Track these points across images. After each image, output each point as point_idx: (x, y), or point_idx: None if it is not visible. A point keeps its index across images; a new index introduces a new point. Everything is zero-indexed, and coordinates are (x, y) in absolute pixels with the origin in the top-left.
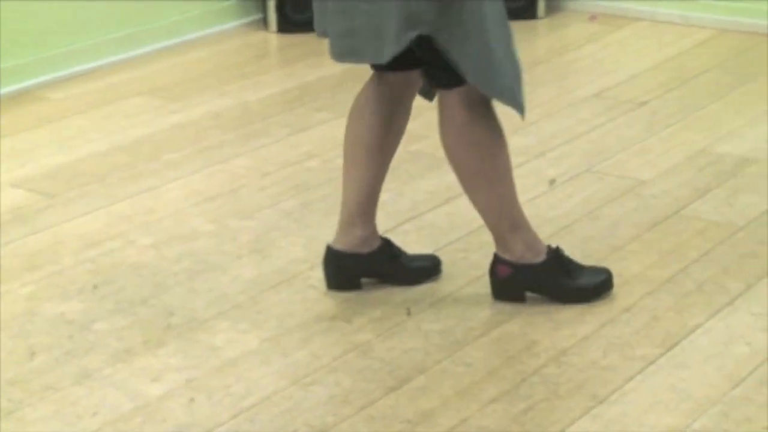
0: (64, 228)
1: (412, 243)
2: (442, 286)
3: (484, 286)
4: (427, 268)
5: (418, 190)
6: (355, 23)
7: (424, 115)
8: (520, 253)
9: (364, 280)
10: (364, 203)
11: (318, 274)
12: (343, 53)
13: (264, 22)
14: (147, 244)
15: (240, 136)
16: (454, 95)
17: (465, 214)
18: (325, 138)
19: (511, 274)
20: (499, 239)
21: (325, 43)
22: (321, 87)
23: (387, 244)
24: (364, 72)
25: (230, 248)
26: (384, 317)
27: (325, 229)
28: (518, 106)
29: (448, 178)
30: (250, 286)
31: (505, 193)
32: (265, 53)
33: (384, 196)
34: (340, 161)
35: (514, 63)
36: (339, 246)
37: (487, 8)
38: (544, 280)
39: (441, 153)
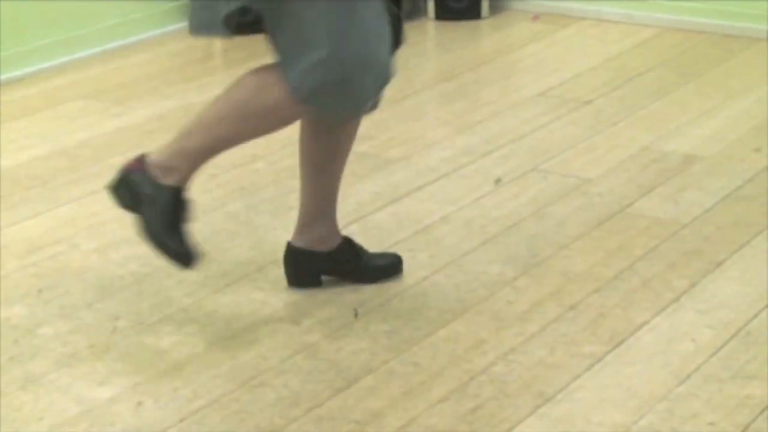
0: (8, 232)
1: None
2: (390, 286)
3: (431, 285)
4: (387, 267)
5: (363, 191)
6: None
7: (368, 116)
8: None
9: (325, 277)
10: (321, 202)
11: (265, 276)
12: (192, 26)
13: None
14: (91, 248)
15: None
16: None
17: (411, 214)
18: (270, 139)
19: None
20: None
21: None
22: None
23: (348, 243)
24: None
25: None
26: (331, 318)
27: (271, 231)
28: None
29: (393, 178)
30: (197, 288)
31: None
32: (209, 55)
33: None
34: (285, 162)
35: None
36: (298, 244)
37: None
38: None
39: (386, 154)
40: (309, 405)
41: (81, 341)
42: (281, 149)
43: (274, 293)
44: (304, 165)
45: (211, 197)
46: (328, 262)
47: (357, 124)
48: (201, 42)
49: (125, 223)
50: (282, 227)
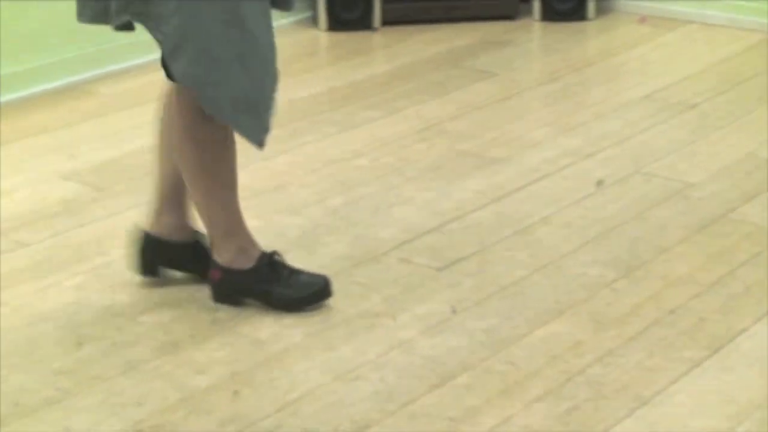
0: (112, 221)
1: (457, 243)
2: (488, 284)
3: (530, 285)
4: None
5: (464, 189)
6: None
7: (472, 115)
8: (230, 258)
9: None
10: (170, 192)
11: (362, 271)
12: (80, 14)
13: (313, 20)
14: None
15: (285, 133)
16: (184, 92)
17: (511, 214)
18: (373, 136)
19: (222, 278)
20: (213, 243)
21: (374, 40)
22: (369, 85)
23: (198, 242)
24: (413, 70)
25: (276, 244)
26: (428, 314)
27: (370, 227)
28: (238, 125)
29: (495, 178)
30: None
31: (223, 198)
32: (313, 51)
33: (429, 195)
34: (387, 160)
35: (254, 75)
36: (150, 228)
37: (217, 8)
38: (253, 285)
39: (489, 153)
40: (404, 400)
41: (182, 330)
42: (383, 146)
43: (371, 288)
44: (161, 146)
45: (312, 191)
46: (176, 254)
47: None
48: (306, 37)
49: None
50: (380, 224)
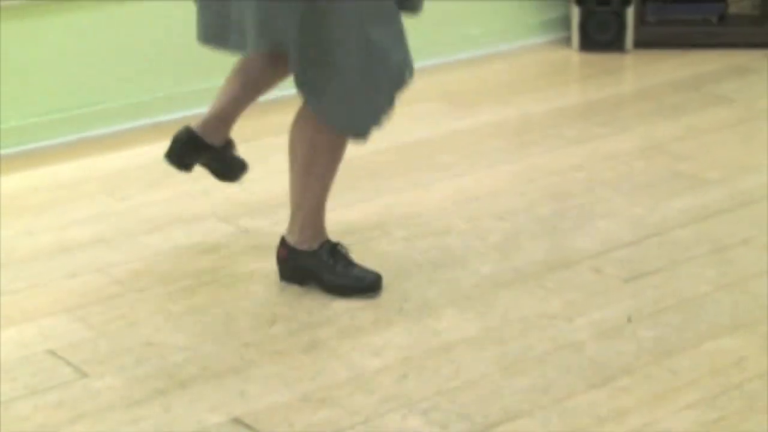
0: (333, 214)
1: (650, 257)
2: (668, 297)
3: (711, 301)
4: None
5: (671, 207)
6: (227, 12)
7: (699, 138)
8: (298, 239)
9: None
10: (229, 107)
11: (552, 276)
12: (208, 37)
13: (567, 41)
14: (401, 236)
15: (515, 145)
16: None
17: (711, 233)
18: (596, 152)
19: (288, 256)
20: (290, 221)
21: (624, 62)
22: (607, 104)
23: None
24: (653, 92)
25: (477, 245)
26: (604, 320)
27: (570, 236)
28: (336, 120)
29: (704, 198)
30: (485, 281)
31: (317, 191)
32: (562, 69)
33: (635, 210)
34: (606, 175)
35: (367, 77)
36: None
37: (354, 36)
38: (312, 267)
39: (704, 174)
40: (558, 396)
41: (368, 316)
42: (603, 161)
43: (554, 293)
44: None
45: (524, 199)
46: (206, 153)
47: None
48: (558, 56)
49: (437, 217)
50: (582, 234)
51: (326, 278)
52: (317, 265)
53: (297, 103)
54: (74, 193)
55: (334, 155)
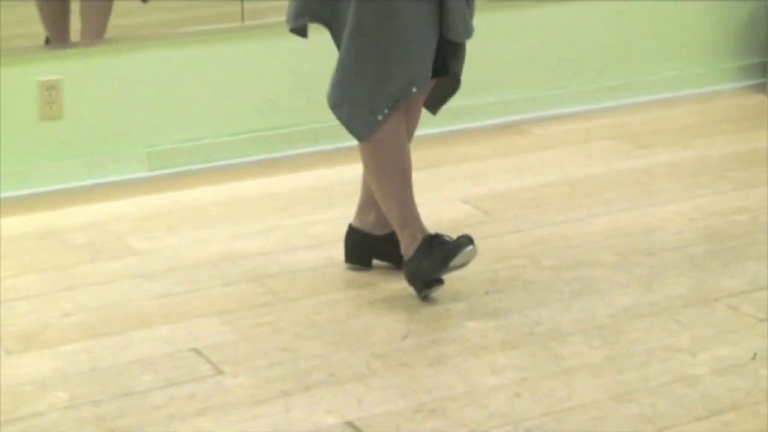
0: (489, 241)
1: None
2: None
3: None
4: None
5: None
6: None
7: None
8: (406, 246)
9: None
10: (371, 193)
11: (685, 311)
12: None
13: (764, 87)
14: (549, 264)
15: (684, 186)
16: None
17: None
18: (766, 197)
19: (406, 265)
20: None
21: None
22: None
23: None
24: None
25: (621, 279)
26: (728, 357)
27: (717, 275)
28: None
29: None
30: (620, 311)
31: (396, 196)
32: (752, 115)
33: None
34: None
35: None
36: (356, 224)
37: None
38: (417, 264)
39: None
40: (662, 425)
41: (497, 337)
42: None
43: (686, 327)
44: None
45: (679, 238)
46: (380, 246)
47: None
48: (751, 102)
49: (589, 250)
50: (730, 274)
51: (411, 264)
52: (418, 257)
53: (482, 135)
54: (249, 208)
55: (384, 164)
